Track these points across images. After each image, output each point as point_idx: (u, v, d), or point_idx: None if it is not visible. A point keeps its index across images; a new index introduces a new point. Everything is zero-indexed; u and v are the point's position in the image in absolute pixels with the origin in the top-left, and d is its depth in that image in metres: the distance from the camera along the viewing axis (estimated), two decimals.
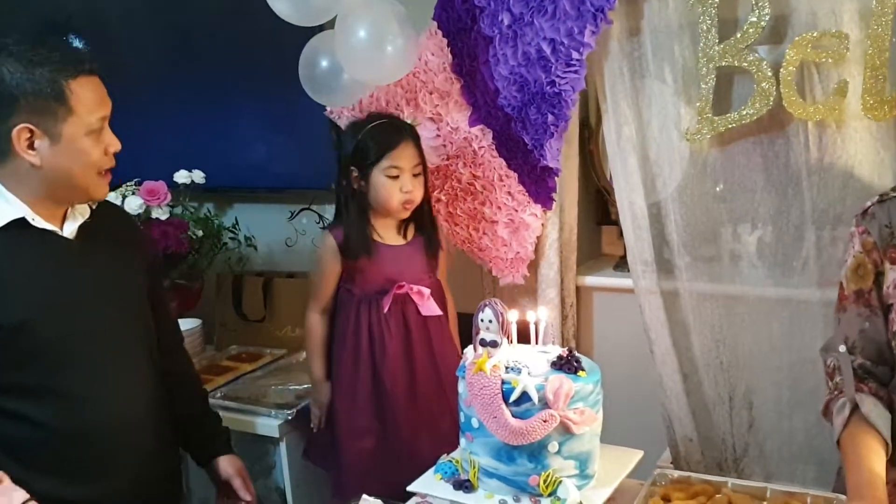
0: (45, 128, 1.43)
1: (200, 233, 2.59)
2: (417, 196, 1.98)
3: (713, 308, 2.01)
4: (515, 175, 2.10)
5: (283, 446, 2.18)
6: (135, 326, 1.65)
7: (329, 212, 2.69)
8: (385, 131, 1.96)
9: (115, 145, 1.53)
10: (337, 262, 2.02)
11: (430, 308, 2.02)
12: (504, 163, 2.10)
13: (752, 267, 1.97)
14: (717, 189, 1.94)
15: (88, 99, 1.46)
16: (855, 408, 1.47)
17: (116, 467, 1.57)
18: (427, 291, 2.01)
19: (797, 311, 1.94)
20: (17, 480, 1.46)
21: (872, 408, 1.45)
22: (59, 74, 1.43)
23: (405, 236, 2.05)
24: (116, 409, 1.56)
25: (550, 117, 1.98)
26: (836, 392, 1.53)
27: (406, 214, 2.01)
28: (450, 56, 2.09)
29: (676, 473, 1.63)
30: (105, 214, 1.64)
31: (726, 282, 2.00)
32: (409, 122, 2.03)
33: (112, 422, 1.55)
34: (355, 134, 1.98)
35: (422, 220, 2.06)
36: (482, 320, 1.47)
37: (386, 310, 1.99)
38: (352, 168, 1.98)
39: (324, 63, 2.07)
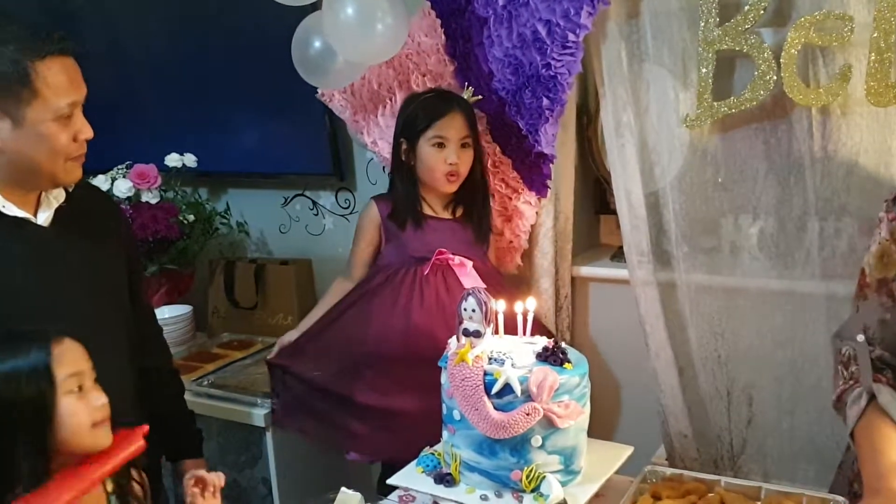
0: (7, 110, 1.34)
1: (192, 217, 2.55)
2: (463, 169, 1.94)
3: (712, 300, 1.96)
4: (510, 161, 2.05)
5: (269, 436, 2.14)
6: (114, 318, 1.58)
7: (323, 198, 2.66)
8: (433, 101, 1.94)
9: (86, 132, 1.43)
10: (375, 229, 2.02)
11: (473, 280, 1.96)
12: (498, 148, 2.06)
13: (752, 258, 1.92)
14: (718, 178, 1.89)
15: (57, 82, 1.36)
16: (871, 398, 1.40)
17: None
18: (469, 263, 1.97)
19: (800, 304, 1.88)
20: None
21: (890, 399, 1.38)
22: (24, 54, 1.33)
23: (454, 212, 2.02)
24: None
25: (545, 101, 1.92)
26: (851, 382, 1.45)
27: (452, 188, 1.97)
28: (443, 37, 2.04)
29: (669, 471, 1.58)
30: (82, 197, 1.55)
31: (726, 273, 1.94)
32: (464, 95, 1.99)
33: None
34: (406, 106, 1.98)
35: (473, 199, 2.01)
36: (465, 309, 1.44)
37: (426, 272, 1.94)
38: (401, 140, 1.96)
39: (316, 44, 2.02)
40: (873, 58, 1.61)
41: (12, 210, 1.42)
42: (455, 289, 1.94)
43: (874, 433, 1.36)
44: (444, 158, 1.91)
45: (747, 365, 1.97)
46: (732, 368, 1.98)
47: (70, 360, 1.27)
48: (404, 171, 1.98)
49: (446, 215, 2.01)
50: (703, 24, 1.75)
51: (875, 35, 1.60)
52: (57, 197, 1.50)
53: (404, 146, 1.96)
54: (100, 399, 1.29)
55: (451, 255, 1.96)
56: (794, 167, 1.79)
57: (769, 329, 1.93)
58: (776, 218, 1.86)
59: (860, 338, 1.43)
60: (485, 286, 1.90)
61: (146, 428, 1.38)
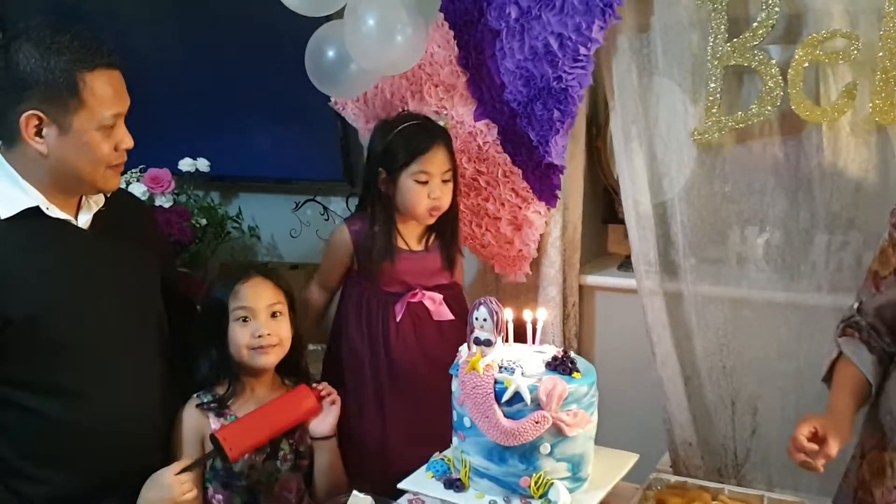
0: (55, 117, 1.40)
1: (204, 221, 2.57)
2: (445, 203, 1.93)
3: (718, 311, 1.98)
4: (520, 171, 2.07)
5: None
6: (147, 320, 1.64)
7: (334, 203, 2.69)
8: (416, 134, 1.91)
9: (126, 143, 1.50)
10: (347, 255, 2.00)
11: (441, 313, 1.99)
12: (509, 159, 2.08)
13: (759, 270, 1.94)
14: (726, 190, 1.91)
15: (103, 93, 1.43)
16: (841, 352, 1.57)
17: (123, 460, 1.56)
18: (439, 297, 1.98)
19: (805, 317, 1.90)
20: (24, 474, 1.48)
21: (854, 349, 1.55)
22: (74, 65, 1.40)
23: (427, 242, 2.01)
24: (126, 404, 1.55)
25: (556, 113, 1.95)
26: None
27: (432, 221, 1.96)
28: (456, 49, 2.06)
29: (673, 478, 1.62)
30: (119, 203, 1.62)
31: (732, 285, 1.97)
32: (441, 123, 1.97)
33: (121, 416, 1.54)
34: (385, 134, 1.93)
35: (445, 227, 2.00)
36: (476, 318, 1.46)
37: (399, 318, 1.97)
38: (380, 169, 1.94)
39: (330, 53, 2.04)
40: (879, 77, 1.64)
41: (55, 212, 1.48)
42: (425, 323, 1.98)
43: (839, 376, 1.55)
44: (427, 194, 1.89)
45: (752, 375, 1.99)
46: (737, 379, 2.00)
47: (242, 297, 1.67)
48: (382, 201, 1.94)
49: (419, 247, 2.00)
50: (712, 39, 1.78)
51: (881, 54, 1.63)
52: (97, 202, 1.56)
53: (383, 175, 1.92)
54: (259, 331, 1.66)
55: (423, 294, 1.97)
56: (802, 181, 1.82)
57: (775, 340, 1.95)
58: (783, 231, 1.88)
59: (855, 305, 1.61)
60: (452, 317, 1.98)
61: (321, 391, 1.71)
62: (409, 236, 1.99)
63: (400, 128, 1.92)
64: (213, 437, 1.58)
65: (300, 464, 1.72)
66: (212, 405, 1.66)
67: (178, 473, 1.51)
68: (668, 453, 2.11)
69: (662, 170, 1.94)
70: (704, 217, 1.93)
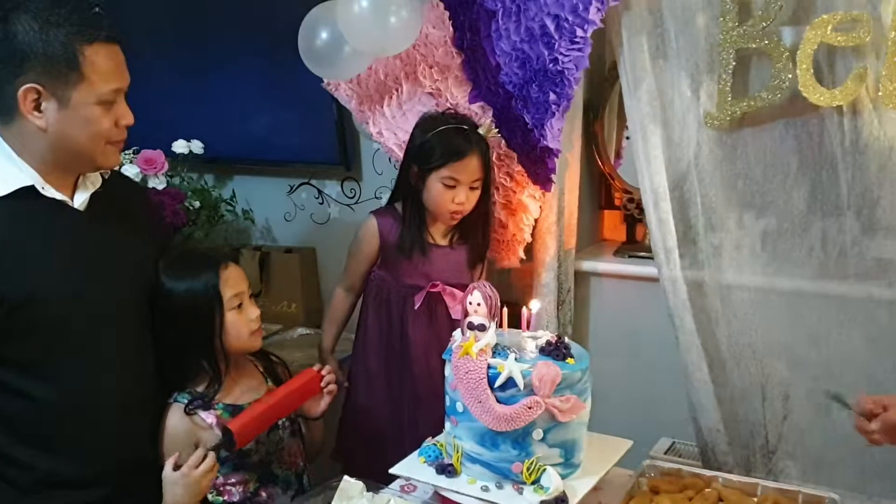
0: (54, 91, 1.38)
1: (198, 204, 2.55)
2: (468, 208, 1.94)
3: (743, 296, 1.93)
4: (515, 155, 2.05)
5: None
6: (141, 305, 1.61)
7: (329, 187, 2.67)
8: (453, 140, 1.90)
9: (127, 118, 1.47)
10: (374, 246, 2.01)
11: (459, 312, 1.98)
12: (503, 142, 2.05)
13: (779, 256, 1.89)
14: (742, 172, 1.87)
15: (103, 67, 1.40)
16: None
17: (114, 446, 1.54)
18: (459, 294, 1.96)
19: (834, 305, 1.85)
20: (16, 458, 1.47)
21: None
22: (74, 38, 1.37)
23: (451, 239, 2.02)
24: (120, 386, 1.54)
25: (552, 96, 1.92)
26: None
27: (453, 223, 1.98)
28: (451, 29, 2.03)
29: (667, 465, 1.61)
30: (116, 184, 1.60)
31: (752, 271, 1.92)
32: (482, 131, 1.94)
33: (115, 398, 1.53)
34: (425, 132, 1.93)
35: (473, 229, 2.01)
36: (470, 303, 1.44)
37: (417, 306, 1.97)
38: (412, 164, 1.95)
39: (324, 35, 2.02)
40: (890, 60, 1.61)
41: (51, 192, 1.45)
42: (441, 319, 2.00)
43: None
44: (452, 198, 1.90)
45: (782, 362, 1.94)
46: (767, 364, 1.95)
47: (233, 283, 1.61)
48: (413, 195, 1.97)
49: (444, 242, 2.01)
50: (722, 21, 1.75)
51: (893, 35, 1.60)
52: (94, 182, 1.53)
53: (415, 170, 1.94)
54: (254, 313, 1.65)
55: (444, 287, 1.98)
56: (825, 162, 1.77)
57: (803, 327, 1.89)
58: (806, 216, 1.84)
59: None
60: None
61: (317, 373, 1.69)
62: (435, 231, 2.01)
63: (439, 129, 1.92)
64: (225, 429, 1.54)
65: (294, 429, 1.76)
66: (196, 404, 1.60)
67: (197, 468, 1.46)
68: (696, 442, 2.06)
69: (679, 153, 1.90)
70: (720, 199, 1.89)
